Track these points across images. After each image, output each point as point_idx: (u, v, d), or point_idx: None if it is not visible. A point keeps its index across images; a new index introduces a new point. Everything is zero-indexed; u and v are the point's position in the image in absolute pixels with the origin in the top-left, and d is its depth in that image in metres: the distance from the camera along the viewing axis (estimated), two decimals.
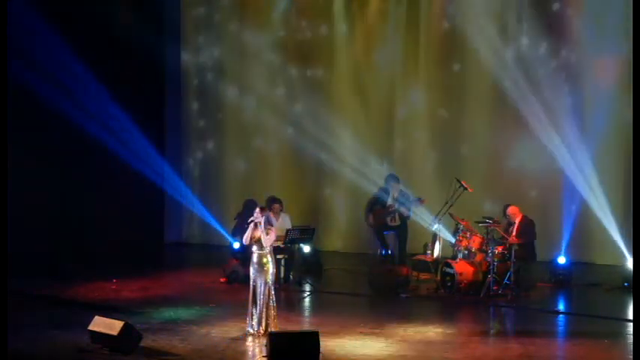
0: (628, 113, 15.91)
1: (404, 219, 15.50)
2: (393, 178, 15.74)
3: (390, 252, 15.58)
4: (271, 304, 11.15)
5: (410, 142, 17.98)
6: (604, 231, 16.28)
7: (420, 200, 15.49)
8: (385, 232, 15.69)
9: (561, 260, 15.19)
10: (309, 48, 18.43)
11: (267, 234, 11.16)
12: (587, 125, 16.81)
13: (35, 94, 15.23)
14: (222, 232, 17.08)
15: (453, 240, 14.44)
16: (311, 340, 9.80)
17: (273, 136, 18.56)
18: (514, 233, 14.13)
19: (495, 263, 13.66)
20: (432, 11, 17.73)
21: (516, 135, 17.10)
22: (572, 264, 15.34)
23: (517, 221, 14.25)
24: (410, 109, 17.96)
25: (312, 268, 15.41)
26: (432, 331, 11.64)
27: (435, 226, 14.68)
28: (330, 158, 18.06)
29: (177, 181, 18.32)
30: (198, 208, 18.28)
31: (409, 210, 15.39)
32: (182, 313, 12.37)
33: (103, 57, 16.12)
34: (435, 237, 14.98)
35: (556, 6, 17.06)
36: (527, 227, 14.25)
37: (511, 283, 13.70)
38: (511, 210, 14.40)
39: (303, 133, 18.24)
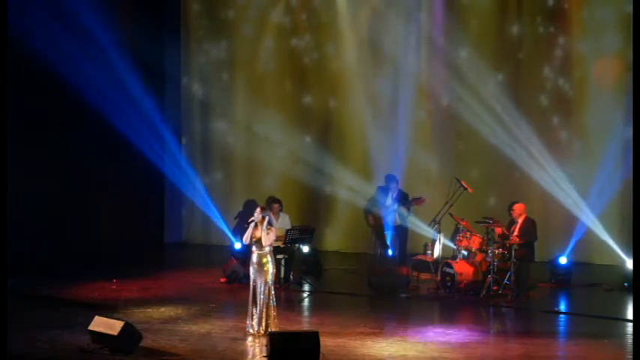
0: (626, 113, 15.97)
1: (404, 219, 15.51)
2: (392, 178, 15.75)
3: (390, 252, 15.59)
4: (271, 304, 11.15)
5: (412, 149, 17.97)
6: (604, 231, 16.31)
7: (420, 200, 15.49)
8: (385, 232, 15.69)
9: (563, 260, 15.17)
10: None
11: (267, 234, 11.17)
12: (586, 125, 16.89)
13: (35, 94, 15.24)
14: (227, 231, 17.06)
15: (453, 246, 14.43)
16: (311, 340, 9.80)
17: (275, 134, 18.52)
18: (516, 232, 14.09)
19: (495, 263, 13.66)
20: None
21: (517, 136, 17.18)
22: (572, 264, 15.33)
23: (520, 220, 14.20)
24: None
25: (312, 268, 15.41)
26: (432, 331, 11.63)
27: (435, 234, 14.68)
28: (331, 159, 18.07)
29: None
30: (202, 202, 18.24)
31: (407, 215, 15.41)
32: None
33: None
34: (435, 237, 14.96)
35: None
36: (530, 228, 14.20)
37: (511, 283, 13.70)
38: (517, 207, 14.30)
39: (305, 133, 18.26)
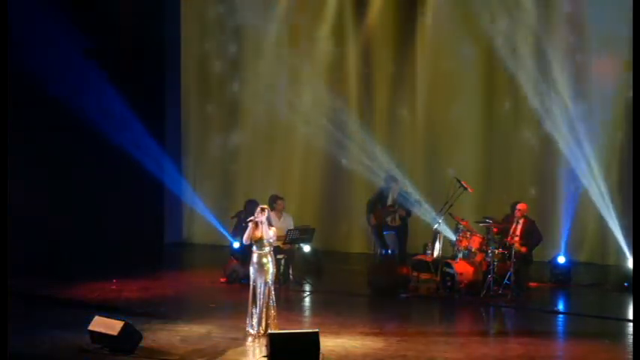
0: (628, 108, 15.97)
1: (404, 219, 15.52)
2: (392, 178, 15.75)
3: (390, 252, 15.59)
4: (271, 304, 11.14)
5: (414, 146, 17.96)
6: (604, 230, 16.32)
7: (418, 203, 15.53)
8: (385, 232, 15.70)
9: (561, 260, 15.16)
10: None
11: (269, 228, 11.17)
12: (584, 122, 16.89)
13: (35, 94, 15.24)
14: (223, 231, 17.05)
15: (454, 238, 14.40)
16: (311, 340, 9.80)
17: (276, 133, 18.51)
18: (518, 233, 14.04)
19: (495, 263, 13.65)
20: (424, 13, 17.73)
21: (513, 133, 17.18)
22: (572, 264, 15.32)
23: (521, 222, 14.14)
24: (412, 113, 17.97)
25: (312, 268, 15.43)
26: (432, 331, 11.64)
27: (437, 225, 14.66)
28: (332, 158, 18.08)
29: (177, 177, 18.31)
30: (198, 206, 18.26)
31: (409, 211, 15.45)
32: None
33: (104, 61, 16.25)
34: (435, 237, 14.97)
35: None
36: (534, 231, 14.12)
37: (511, 283, 13.69)
38: (522, 207, 14.19)
39: (307, 131, 18.24)
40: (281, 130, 18.41)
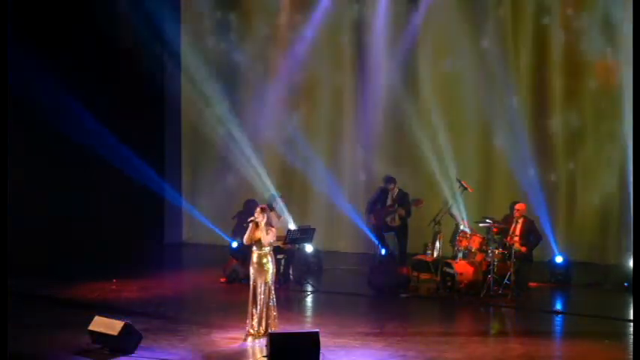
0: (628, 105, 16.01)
1: (404, 219, 15.53)
2: (390, 179, 15.76)
3: (390, 252, 15.60)
4: (271, 304, 11.14)
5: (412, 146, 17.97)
6: (603, 230, 16.30)
7: (419, 202, 15.52)
8: (385, 233, 15.71)
9: (559, 260, 15.16)
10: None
11: (267, 233, 11.15)
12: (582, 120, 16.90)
13: (36, 96, 15.26)
14: (221, 233, 17.07)
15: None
16: (311, 340, 9.80)
17: (275, 133, 18.51)
18: (517, 233, 14.04)
19: (495, 263, 13.65)
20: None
21: (514, 133, 17.20)
22: (571, 264, 15.31)
23: (520, 222, 14.15)
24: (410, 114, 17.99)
25: (312, 268, 15.44)
26: (432, 331, 11.64)
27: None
28: (330, 158, 18.08)
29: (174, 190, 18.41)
30: (195, 213, 18.31)
31: (409, 211, 15.47)
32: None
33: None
34: (435, 237, 14.99)
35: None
36: (533, 231, 14.13)
37: (511, 283, 13.69)
38: (520, 207, 14.21)
39: (305, 132, 18.24)
40: (278, 130, 18.43)
